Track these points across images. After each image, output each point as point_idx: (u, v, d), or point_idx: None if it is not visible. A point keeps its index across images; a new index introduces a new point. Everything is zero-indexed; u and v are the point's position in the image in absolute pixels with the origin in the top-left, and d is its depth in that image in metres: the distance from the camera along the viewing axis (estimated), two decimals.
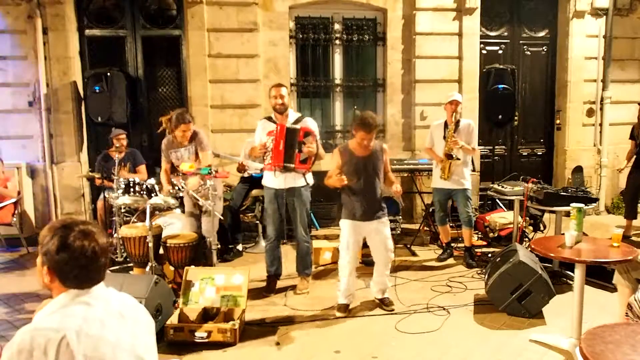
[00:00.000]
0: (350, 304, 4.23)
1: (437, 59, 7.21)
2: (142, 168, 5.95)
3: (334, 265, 5.28)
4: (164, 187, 4.83)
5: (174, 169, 4.86)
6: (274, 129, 4.28)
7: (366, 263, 4.97)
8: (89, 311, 1.52)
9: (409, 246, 5.93)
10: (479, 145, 6.14)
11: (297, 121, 4.46)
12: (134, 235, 4.48)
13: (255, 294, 4.48)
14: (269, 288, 4.61)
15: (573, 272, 3.53)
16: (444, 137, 5.17)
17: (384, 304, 4.26)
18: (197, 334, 3.53)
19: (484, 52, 7.49)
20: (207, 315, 3.79)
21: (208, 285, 3.90)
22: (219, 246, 4.89)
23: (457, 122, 5.14)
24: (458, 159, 5.10)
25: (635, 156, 6.33)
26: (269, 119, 4.55)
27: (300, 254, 4.62)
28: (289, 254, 4.78)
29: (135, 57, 6.82)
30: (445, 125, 5.21)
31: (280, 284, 4.75)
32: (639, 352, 1.96)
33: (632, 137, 6.44)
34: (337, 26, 7.26)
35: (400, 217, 6.26)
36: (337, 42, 7.29)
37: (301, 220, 4.49)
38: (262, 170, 4.68)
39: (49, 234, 1.54)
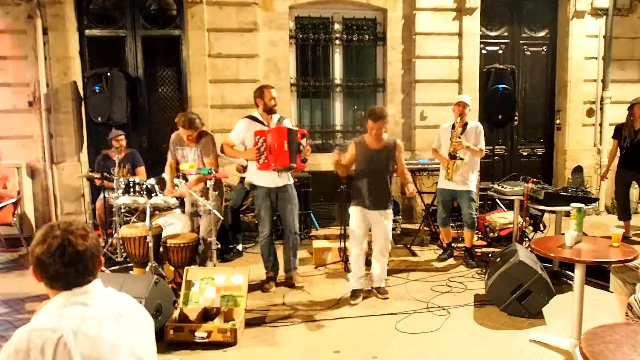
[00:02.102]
0: (362, 289, 4.40)
1: (437, 59, 7.20)
2: (142, 170, 5.92)
3: (333, 266, 5.29)
4: (167, 185, 4.72)
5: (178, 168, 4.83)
6: (261, 129, 4.39)
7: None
8: (87, 311, 1.52)
9: (409, 246, 5.92)
10: None
11: (279, 121, 4.58)
12: (134, 235, 4.48)
13: (255, 294, 4.48)
14: (269, 282, 4.68)
15: (573, 272, 3.53)
16: (451, 139, 5.18)
17: (379, 292, 4.40)
18: (197, 334, 3.53)
19: (484, 52, 7.48)
20: (207, 315, 3.79)
21: (208, 285, 3.91)
22: (219, 246, 4.90)
23: (465, 124, 5.16)
24: (461, 159, 5.10)
25: (620, 156, 6.30)
26: (253, 118, 4.58)
27: (293, 248, 4.69)
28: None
29: (135, 57, 6.81)
30: (453, 127, 5.22)
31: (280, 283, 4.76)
32: (639, 352, 1.96)
33: (616, 136, 6.39)
34: (337, 26, 7.25)
35: (401, 217, 6.25)
36: (337, 42, 7.28)
37: (294, 215, 4.62)
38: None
39: (37, 234, 1.56)
